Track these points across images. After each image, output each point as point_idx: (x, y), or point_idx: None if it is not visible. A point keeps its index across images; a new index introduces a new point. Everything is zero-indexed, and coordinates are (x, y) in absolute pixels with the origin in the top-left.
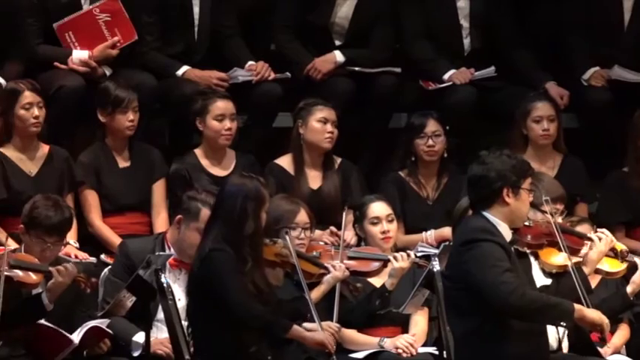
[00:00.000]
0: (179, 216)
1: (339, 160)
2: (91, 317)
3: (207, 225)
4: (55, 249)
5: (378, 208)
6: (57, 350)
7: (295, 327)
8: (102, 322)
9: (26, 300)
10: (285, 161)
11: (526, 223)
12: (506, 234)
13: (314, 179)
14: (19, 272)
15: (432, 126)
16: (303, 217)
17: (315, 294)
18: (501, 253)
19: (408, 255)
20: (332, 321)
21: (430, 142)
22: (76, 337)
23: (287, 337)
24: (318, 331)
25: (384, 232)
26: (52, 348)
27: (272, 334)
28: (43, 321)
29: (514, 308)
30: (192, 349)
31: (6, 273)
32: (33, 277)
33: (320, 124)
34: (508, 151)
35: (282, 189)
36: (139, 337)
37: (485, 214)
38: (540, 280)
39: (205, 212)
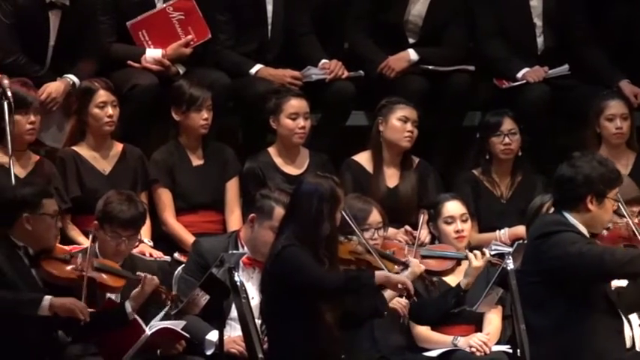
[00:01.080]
0: (252, 214)
1: (416, 159)
2: (164, 315)
3: (282, 224)
4: (130, 243)
5: (453, 207)
6: (129, 340)
7: (377, 272)
8: (177, 325)
9: (110, 309)
10: (362, 158)
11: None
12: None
13: (391, 177)
14: (103, 275)
15: (508, 124)
16: (375, 217)
17: (390, 293)
18: (580, 238)
19: (483, 254)
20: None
21: (506, 140)
22: (148, 329)
23: (375, 285)
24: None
25: (458, 232)
26: (125, 337)
27: (359, 287)
28: None
29: (612, 265)
30: (265, 348)
31: (89, 274)
32: (112, 281)
33: (400, 123)
34: (601, 156)
35: (359, 186)
36: (213, 336)
37: (566, 214)
38: (615, 281)
39: (279, 211)
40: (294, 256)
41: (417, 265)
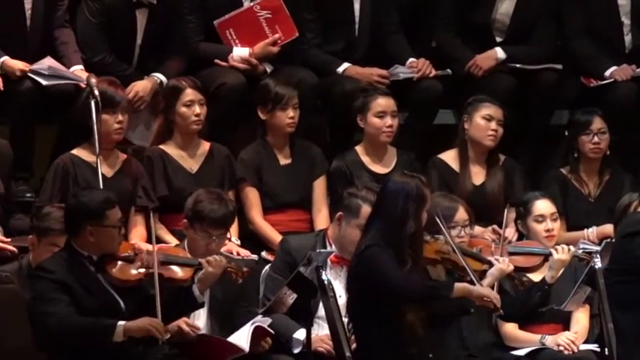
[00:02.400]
0: (340, 213)
1: (502, 157)
2: (251, 313)
3: (367, 223)
4: (219, 242)
5: (543, 206)
6: (223, 357)
7: (458, 284)
8: (263, 322)
9: (177, 292)
10: (448, 156)
11: None
12: None
13: (477, 175)
14: (171, 267)
15: (597, 123)
16: (462, 214)
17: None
18: None
19: (569, 248)
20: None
21: (596, 139)
22: (245, 342)
23: (453, 296)
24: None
25: (548, 231)
26: (218, 355)
27: (438, 296)
28: (205, 331)
29: None
30: (352, 346)
31: (154, 271)
32: (181, 272)
33: (484, 121)
34: None
35: (445, 184)
36: (300, 334)
37: None
38: None
39: (366, 209)
40: (375, 257)
41: (506, 265)
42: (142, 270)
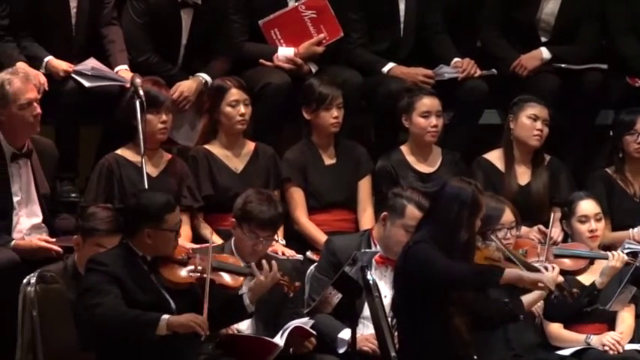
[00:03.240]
0: (384, 213)
1: (548, 157)
2: (297, 314)
3: (419, 224)
4: (267, 243)
5: (587, 207)
6: (265, 356)
7: (508, 269)
8: (305, 323)
9: (227, 300)
10: (494, 156)
11: None
12: None
13: (522, 175)
14: (222, 274)
15: None
16: (508, 216)
17: (530, 298)
18: None
19: (623, 256)
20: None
21: None
22: (280, 339)
23: (501, 283)
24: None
25: (591, 231)
26: (260, 355)
27: (487, 281)
28: (247, 331)
29: None
30: (397, 346)
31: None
32: (231, 280)
33: (530, 121)
34: None
35: (490, 184)
36: (345, 334)
37: None
38: None
39: (410, 209)
40: (422, 250)
41: (556, 274)
42: (194, 274)
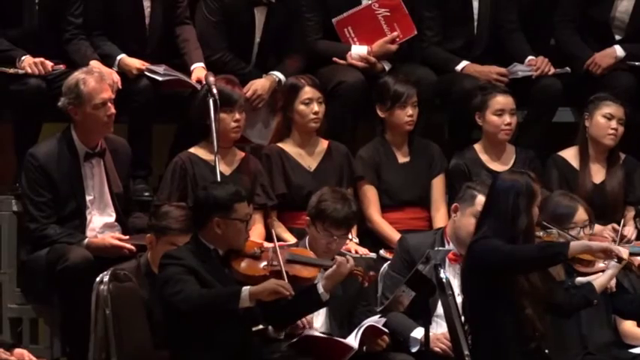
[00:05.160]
0: (455, 204)
1: (623, 155)
2: (370, 312)
3: (479, 221)
4: (340, 242)
5: None
6: (340, 358)
7: (575, 242)
8: (378, 322)
9: (302, 290)
10: (569, 154)
11: None
12: None
13: (597, 174)
14: (296, 266)
15: None
16: (581, 215)
17: (601, 280)
18: None
19: None
20: None
21: None
22: (354, 340)
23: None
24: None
25: None
26: (335, 356)
27: (555, 255)
28: (321, 329)
29: None
30: (470, 345)
31: (280, 268)
32: (305, 272)
33: (605, 120)
34: None
35: (565, 181)
36: (418, 333)
37: None
38: None
39: (480, 198)
40: (485, 243)
41: (627, 254)
42: (268, 267)
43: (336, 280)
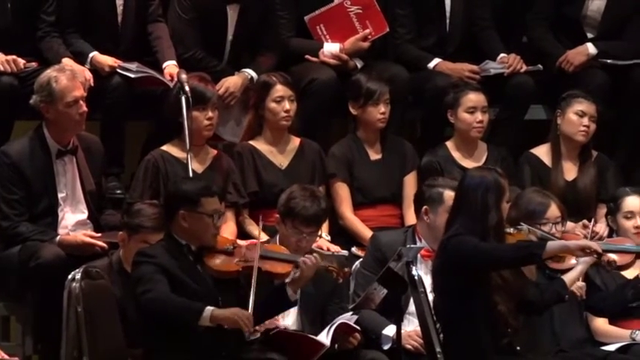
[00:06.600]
0: (425, 207)
1: (595, 153)
2: (342, 310)
3: (449, 219)
4: (310, 239)
5: (633, 202)
6: (312, 355)
7: (551, 242)
8: (350, 319)
9: (271, 291)
10: (541, 151)
11: None
12: None
13: (569, 171)
14: (270, 262)
15: None
16: (554, 211)
17: (571, 275)
18: None
19: None
20: None
21: None
22: (326, 338)
23: (545, 256)
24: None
25: (637, 227)
26: (307, 353)
27: (532, 255)
28: (293, 326)
29: None
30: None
31: (253, 264)
32: (279, 267)
33: (576, 117)
34: None
35: (537, 179)
36: (389, 331)
37: None
38: None
39: (448, 193)
40: (460, 241)
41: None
42: (241, 262)
43: (303, 282)
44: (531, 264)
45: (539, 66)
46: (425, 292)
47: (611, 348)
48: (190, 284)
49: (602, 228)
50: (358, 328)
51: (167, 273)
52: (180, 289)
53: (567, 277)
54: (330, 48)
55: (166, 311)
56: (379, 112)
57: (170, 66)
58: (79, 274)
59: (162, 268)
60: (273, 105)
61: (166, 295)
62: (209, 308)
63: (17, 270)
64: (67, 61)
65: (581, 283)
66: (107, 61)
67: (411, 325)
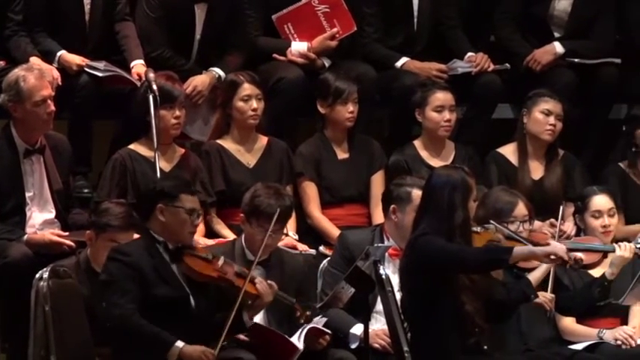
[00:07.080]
0: (393, 206)
1: (561, 152)
2: (309, 310)
3: (416, 218)
4: (276, 237)
5: (601, 202)
6: (284, 358)
7: (518, 247)
8: (319, 322)
9: (227, 315)
10: (507, 150)
11: None
12: None
13: (536, 170)
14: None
15: None
16: (521, 210)
17: (536, 274)
18: None
19: (632, 246)
20: None
21: None
22: (299, 342)
23: (512, 261)
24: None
25: (604, 226)
26: (279, 355)
27: (499, 260)
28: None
29: None
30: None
31: (230, 278)
32: (251, 288)
33: (542, 116)
34: None
35: (504, 178)
36: (357, 330)
37: None
38: None
39: (416, 192)
40: (428, 241)
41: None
42: (219, 273)
43: (260, 309)
44: (497, 269)
45: (507, 65)
46: (392, 291)
47: (579, 347)
48: (162, 288)
49: (569, 227)
50: (329, 331)
51: (140, 273)
52: (150, 293)
53: (532, 276)
54: (298, 47)
55: (134, 335)
56: (348, 111)
57: (138, 65)
58: (47, 272)
59: (135, 268)
60: (240, 104)
61: (133, 319)
62: (179, 345)
63: None
64: (34, 60)
65: (550, 296)
66: (75, 60)
67: (378, 324)
